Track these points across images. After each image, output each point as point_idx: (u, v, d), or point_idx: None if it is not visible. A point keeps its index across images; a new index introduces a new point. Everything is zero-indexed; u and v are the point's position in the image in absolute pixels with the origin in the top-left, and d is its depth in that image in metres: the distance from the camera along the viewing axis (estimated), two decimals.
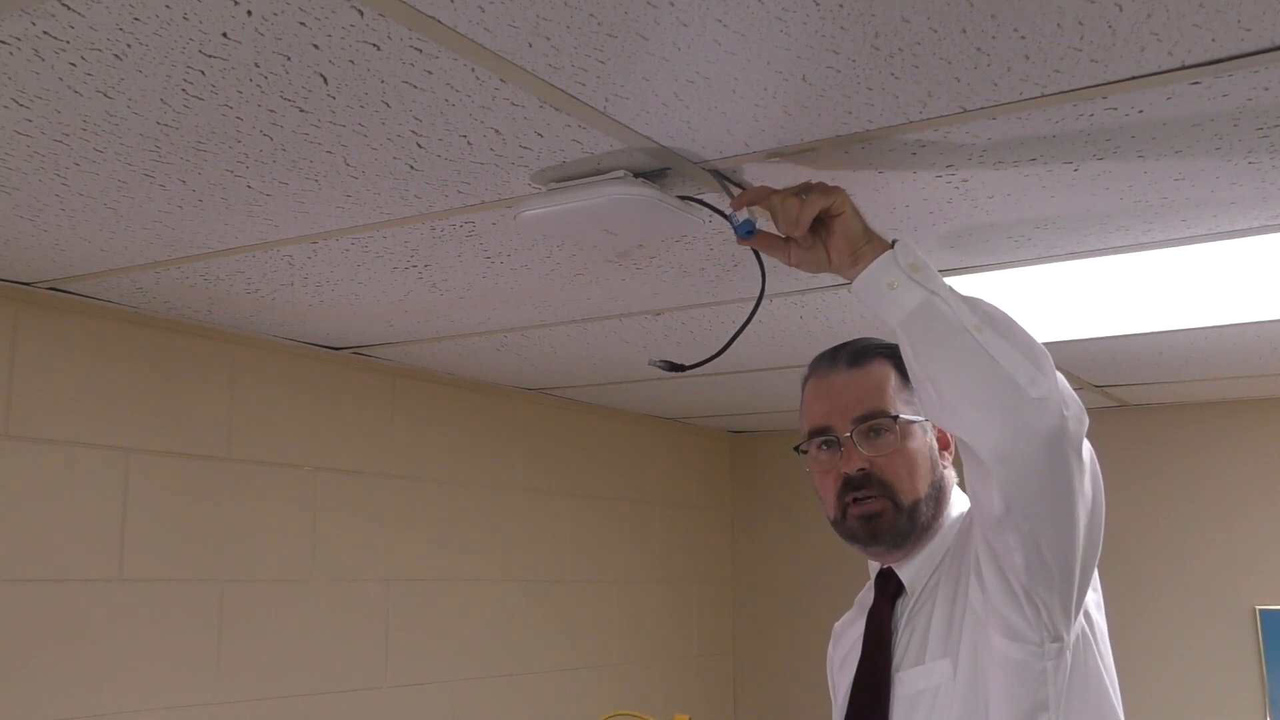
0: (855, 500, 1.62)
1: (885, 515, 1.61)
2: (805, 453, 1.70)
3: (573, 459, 3.73)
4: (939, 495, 1.66)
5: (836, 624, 1.87)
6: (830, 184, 1.43)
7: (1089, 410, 1.42)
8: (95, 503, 2.36)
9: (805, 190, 1.42)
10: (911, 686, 1.58)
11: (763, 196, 1.45)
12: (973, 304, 1.39)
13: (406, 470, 3.10)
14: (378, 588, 2.97)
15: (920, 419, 1.64)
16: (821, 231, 1.43)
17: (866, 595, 1.77)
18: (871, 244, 1.42)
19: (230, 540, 2.61)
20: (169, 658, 2.46)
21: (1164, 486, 3.84)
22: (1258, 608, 3.64)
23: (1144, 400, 3.74)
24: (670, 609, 4.15)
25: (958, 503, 1.70)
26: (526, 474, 3.52)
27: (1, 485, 2.21)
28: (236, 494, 2.64)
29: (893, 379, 1.66)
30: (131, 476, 2.43)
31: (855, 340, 1.74)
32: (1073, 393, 1.38)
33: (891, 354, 1.66)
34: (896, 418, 1.62)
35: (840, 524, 1.65)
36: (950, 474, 1.71)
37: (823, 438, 1.66)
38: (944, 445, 1.69)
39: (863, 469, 1.61)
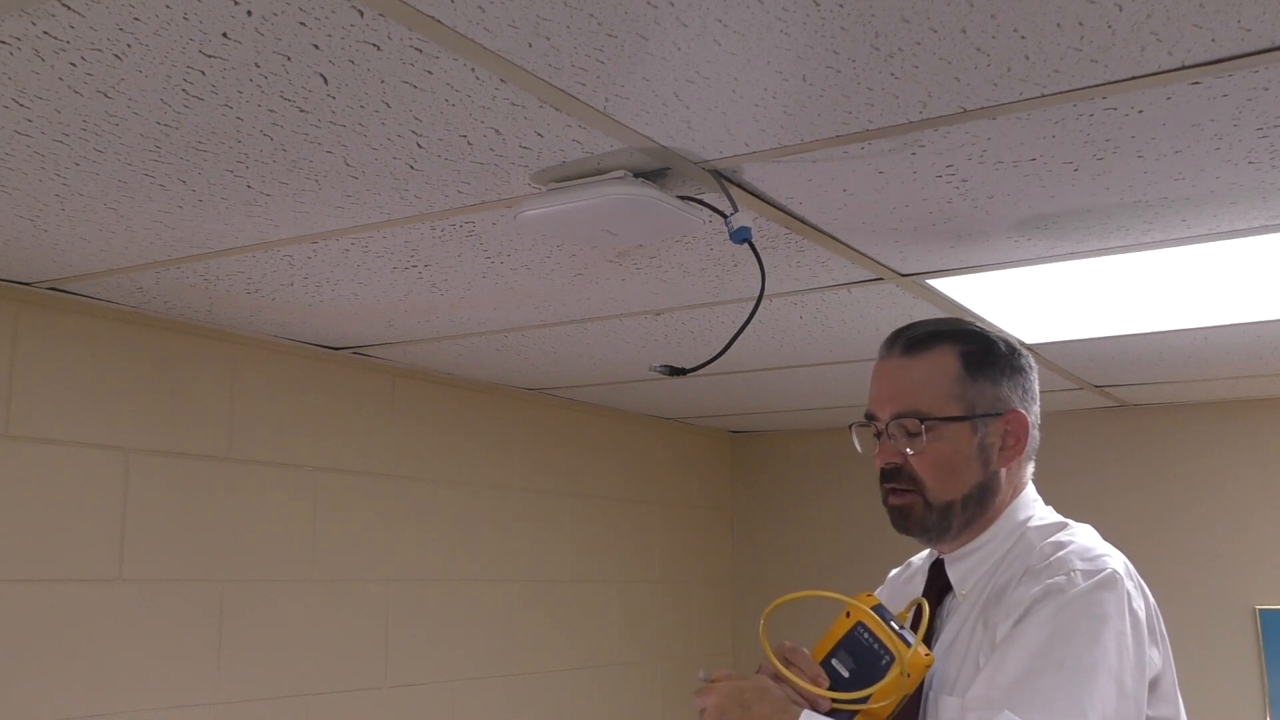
0: (892, 490, 1.61)
1: (915, 510, 1.59)
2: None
3: (573, 459, 3.72)
4: (984, 495, 1.59)
5: (892, 573, 1.86)
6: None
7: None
8: (95, 503, 2.36)
9: None
10: (949, 712, 1.52)
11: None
12: None
13: (406, 470, 3.10)
14: (378, 588, 2.97)
15: (969, 417, 1.57)
16: None
17: (922, 565, 1.75)
18: None
19: (230, 540, 2.61)
20: (169, 658, 2.46)
21: (1164, 486, 3.84)
22: (1258, 608, 3.64)
23: (1144, 400, 3.74)
24: (670, 609, 4.15)
25: (1026, 505, 1.62)
26: (526, 474, 3.52)
27: (1, 485, 2.21)
28: (236, 494, 2.64)
29: (950, 369, 1.58)
30: (131, 476, 2.43)
31: (923, 322, 1.66)
32: None
33: (959, 337, 1.60)
34: (925, 420, 1.56)
35: (885, 505, 1.65)
36: (1014, 474, 1.62)
37: (869, 424, 1.65)
38: (1012, 442, 1.60)
39: (892, 463, 1.59)
